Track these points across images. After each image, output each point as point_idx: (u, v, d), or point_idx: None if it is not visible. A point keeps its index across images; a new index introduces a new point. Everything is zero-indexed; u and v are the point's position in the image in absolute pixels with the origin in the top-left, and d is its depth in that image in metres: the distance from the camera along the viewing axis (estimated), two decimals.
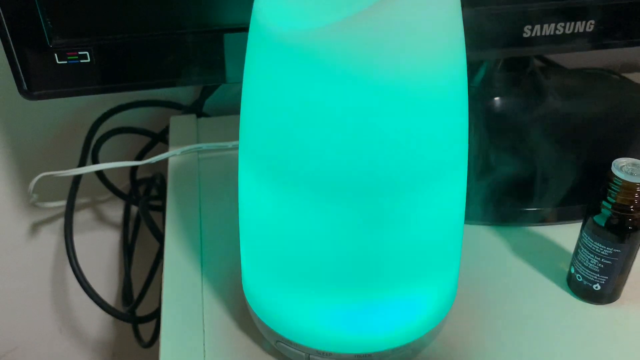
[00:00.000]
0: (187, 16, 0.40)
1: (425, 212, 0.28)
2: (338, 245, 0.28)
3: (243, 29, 0.40)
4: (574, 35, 0.44)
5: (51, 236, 0.66)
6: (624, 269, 0.36)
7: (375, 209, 0.27)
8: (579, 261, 0.37)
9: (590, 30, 0.44)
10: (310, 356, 0.32)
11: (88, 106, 0.58)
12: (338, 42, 0.24)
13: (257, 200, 0.30)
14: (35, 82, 0.40)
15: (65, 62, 0.40)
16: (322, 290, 0.30)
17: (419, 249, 0.29)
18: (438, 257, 0.31)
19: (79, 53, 0.40)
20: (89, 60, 0.40)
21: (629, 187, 0.33)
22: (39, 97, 0.41)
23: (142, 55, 0.41)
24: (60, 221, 0.66)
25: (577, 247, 0.37)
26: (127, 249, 0.66)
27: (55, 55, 0.39)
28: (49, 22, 0.38)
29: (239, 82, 0.30)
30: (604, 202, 0.35)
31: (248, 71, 0.28)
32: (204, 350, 0.35)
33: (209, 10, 0.40)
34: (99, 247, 0.68)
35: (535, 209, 0.44)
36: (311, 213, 0.28)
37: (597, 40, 0.44)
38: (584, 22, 0.43)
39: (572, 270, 0.38)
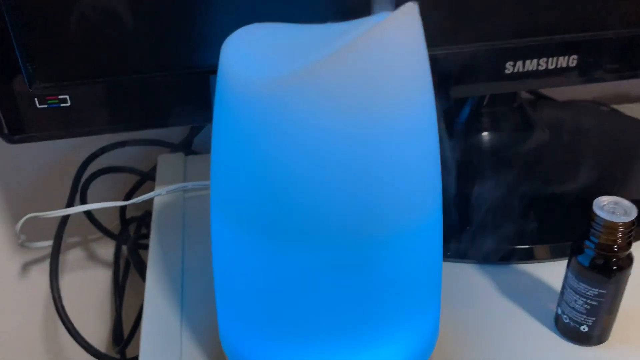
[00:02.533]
0: (166, 58, 0.40)
1: (397, 256, 0.28)
2: (310, 293, 0.28)
3: None
4: (557, 71, 0.43)
5: (42, 276, 0.66)
6: (612, 310, 0.35)
7: (348, 255, 0.27)
8: (565, 302, 0.36)
9: (574, 65, 0.44)
10: None
11: (76, 145, 0.58)
12: (299, 89, 0.24)
13: (228, 247, 0.29)
14: (15, 126, 0.40)
15: (46, 106, 0.40)
16: (298, 339, 0.29)
17: (391, 293, 0.29)
18: (413, 301, 0.30)
19: (59, 97, 0.40)
20: (69, 103, 0.40)
21: (612, 227, 0.33)
22: (20, 141, 0.41)
23: (122, 97, 0.41)
24: None
25: (563, 287, 0.36)
26: (118, 288, 0.65)
27: (36, 99, 0.39)
28: (29, 67, 0.38)
29: None
30: (587, 242, 0.34)
31: (217, 118, 0.28)
32: None
33: (191, 53, 0.40)
34: (90, 286, 0.68)
35: (523, 246, 0.43)
36: (282, 260, 0.27)
37: (581, 75, 0.44)
38: (566, 57, 0.43)
39: (559, 312, 0.37)
